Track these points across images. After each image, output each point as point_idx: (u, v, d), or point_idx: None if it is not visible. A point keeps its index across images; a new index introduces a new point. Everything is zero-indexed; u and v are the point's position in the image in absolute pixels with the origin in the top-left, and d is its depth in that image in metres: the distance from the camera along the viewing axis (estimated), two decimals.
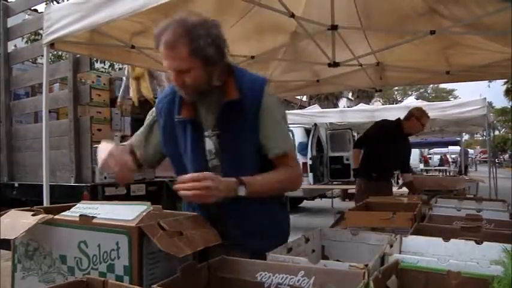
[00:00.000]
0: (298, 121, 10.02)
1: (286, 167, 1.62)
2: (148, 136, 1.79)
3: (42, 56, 3.41)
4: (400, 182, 5.61)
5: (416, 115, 4.59)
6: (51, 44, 3.09)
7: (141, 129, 1.83)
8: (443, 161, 27.84)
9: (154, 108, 1.80)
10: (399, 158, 4.83)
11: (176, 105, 1.66)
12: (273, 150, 1.60)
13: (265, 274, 1.08)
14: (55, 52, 6.80)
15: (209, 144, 1.63)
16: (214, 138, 1.62)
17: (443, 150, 28.57)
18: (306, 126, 10.81)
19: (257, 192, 1.53)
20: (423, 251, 1.46)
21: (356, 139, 5.24)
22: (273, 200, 1.70)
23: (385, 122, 4.91)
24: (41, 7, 6.16)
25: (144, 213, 1.14)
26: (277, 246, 1.31)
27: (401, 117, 4.71)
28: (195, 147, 1.63)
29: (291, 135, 1.72)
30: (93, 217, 1.17)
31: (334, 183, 11.33)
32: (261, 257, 1.19)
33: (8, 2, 5.61)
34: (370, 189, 4.31)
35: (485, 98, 8.18)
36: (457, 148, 21.67)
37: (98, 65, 9.33)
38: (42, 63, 4.29)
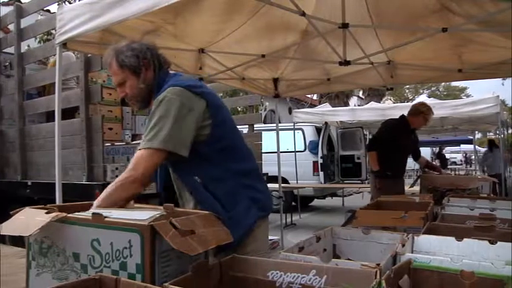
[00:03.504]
0: (309, 120, 10.01)
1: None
2: None
3: (55, 55, 3.43)
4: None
5: (420, 110, 4.77)
6: (64, 44, 3.12)
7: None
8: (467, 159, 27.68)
9: None
10: (409, 153, 5.04)
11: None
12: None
13: (277, 273, 1.08)
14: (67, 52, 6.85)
15: None
16: None
17: (464, 148, 28.19)
18: (317, 125, 10.78)
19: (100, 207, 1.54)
20: (436, 250, 1.44)
21: (369, 142, 5.28)
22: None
23: (392, 122, 5.00)
24: (53, 7, 6.22)
25: (157, 215, 1.15)
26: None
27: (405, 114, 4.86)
28: None
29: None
30: (106, 216, 1.18)
31: (345, 182, 11.29)
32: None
33: (21, 3, 5.67)
34: (386, 187, 4.41)
35: (498, 96, 8.08)
36: (470, 146, 21.42)
37: None
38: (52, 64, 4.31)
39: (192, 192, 1.82)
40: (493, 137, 15.23)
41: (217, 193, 1.77)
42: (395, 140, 4.69)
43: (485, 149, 14.20)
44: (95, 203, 1.54)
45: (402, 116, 4.90)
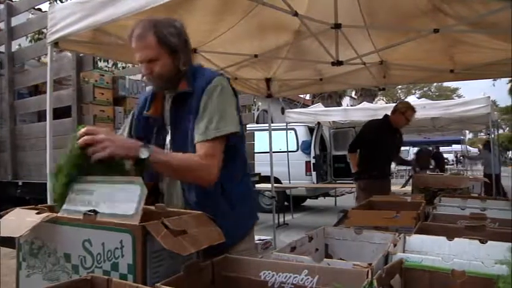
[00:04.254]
0: (302, 120, 10.02)
1: (196, 155, 1.63)
2: (130, 131, 1.90)
3: (46, 55, 3.41)
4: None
5: (401, 109, 4.76)
6: (55, 43, 3.10)
7: (123, 127, 1.98)
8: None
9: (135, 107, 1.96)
10: (393, 152, 5.07)
11: (147, 102, 1.83)
12: (198, 136, 1.65)
13: (269, 273, 1.08)
14: (59, 51, 6.81)
15: (169, 136, 1.79)
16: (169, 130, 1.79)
17: (455, 148, 28.37)
18: (309, 125, 10.80)
19: (160, 163, 1.53)
20: (427, 250, 1.45)
21: (350, 143, 5.29)
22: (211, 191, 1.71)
23: (374, 122, 5.03)
24: (44, 6, 6.17)
25: (142, 201, 1.14)
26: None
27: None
28: (156, 144, 1.73)
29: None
30: (96, 212, 1.18)
31: (338, 182, 11.32)
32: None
33: (12, 1, 5.62)
34: (372, 187, 4.39)
35: (489, 97, 8.16)
36: (459, 147, 21.60)
37: (101, 64, 9.34)
38: (45, 63, 4.29)
39: (195, 190, 1.72)
40: (484, 137, 15.35)
41: (233, 192, 1.76)
42: (378, 140, 4.71)
43: (475, 149, 14.31)
44: (164, 155, 1.58)
45: (385, 116, 4.93)
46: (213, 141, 1.63)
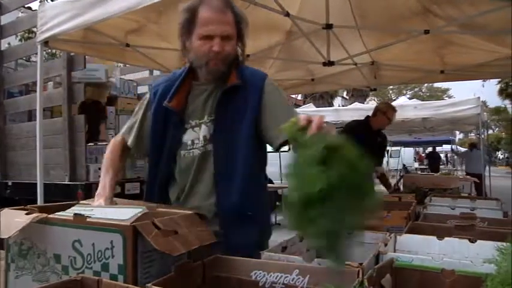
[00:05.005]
0: None
1: None
2: (143, 121, 1.74)
3: (36, 54, 3.39)
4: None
5: (382, 110, 4.63)
6: (45, 42, 3.08)
7: (133, 117, 1.78)
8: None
9: (147, 95, 1.79)
10: (375, 155, 4.88)
11: (171, 92, 1.66)
12: (279, 139, 1.53)
13: (260, 273, 1.08)
14: (49, 50, 6.77)
15: (205, 131, 1.62)
16: (210, 124, 1.62)
17: (445, 148, 28.52)
18: None
19: None
20: (418, 249, 1.46)
21: None
22: (254, 195, 1.62)
23: (353, 124, 4.91)
24: (34, 5, 6.12)
25: (139, 215, 1.14)
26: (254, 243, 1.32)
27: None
28: (172, 137, 1.65)
29: None
30: (87, 216, 1.17)
31: None
32: (239, 254, 1.19)
33: None
34: None
35: (479, 97, 8.23)
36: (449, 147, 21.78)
37: None
38: (36, 61, 4.27)
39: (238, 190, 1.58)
40: (473, 137, 15.52)
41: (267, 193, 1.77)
42: (357, 141, 4.63)
43: (465, 149, 14.47)
44: None
45: (366, 117, 4.84)
46: None
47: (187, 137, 1.64)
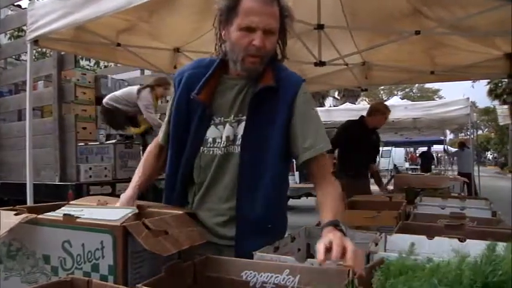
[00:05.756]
0: None
1: (323, 168, 1.52)
2: (170, 115, 1.62)
3: (26, 52, 3.36)
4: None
5: (381, 110, 4.77)
6: (35, 41, 3.05)
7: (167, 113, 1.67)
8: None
9: (172, 88, 1.68)
10: (370, 153, 5.02)
11: (200, 84, 1.51)
12: (310, 149, 1.48)
13: (251, 273, 1.08)
14: (39, 49, 6.72)
15: (228, 131, 1.52)
16: (236, 125, 1.52)
17: (436, 148, 28.70)
18: None
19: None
20: (408, 249, 1.47)
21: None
22: (277, 206, 1.59)
23: (348, 124, 4.99)
24: (24, 3, 6.07)
25: (129, 215, 1.13)
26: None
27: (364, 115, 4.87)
28: (196, 132, 1.54)
29: None
30: (77, 217, 1.16)
31: None
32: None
33: None
34: (349, 187, 4.43)
35: (468, 98, 8.30)
36: (441, 147, 21.95)
37: (83, 63, 9.23)
38: (26, 60, 4.23)
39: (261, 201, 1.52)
40: (464, 137, 15.66)
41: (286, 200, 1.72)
42: (352, 140, 4.72)
43: (455, 149, 14.60)
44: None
45: (361, 117, 4.93)
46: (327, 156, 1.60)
47: (210, 133, 1.53)
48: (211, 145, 1.53)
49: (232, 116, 1.52)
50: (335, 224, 1.27)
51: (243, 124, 1.51)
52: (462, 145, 12.32)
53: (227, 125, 1.52)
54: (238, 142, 1.50)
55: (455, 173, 12.11)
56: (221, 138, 1.52)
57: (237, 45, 1.43)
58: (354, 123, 4.84)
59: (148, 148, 1.72)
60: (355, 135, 4.69)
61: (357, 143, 4.69)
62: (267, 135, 1.49)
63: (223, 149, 1.52)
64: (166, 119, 1.65)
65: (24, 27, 4.03)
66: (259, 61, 1.44)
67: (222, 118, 1.53)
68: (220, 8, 1.44)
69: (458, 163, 12.26)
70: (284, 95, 1.50)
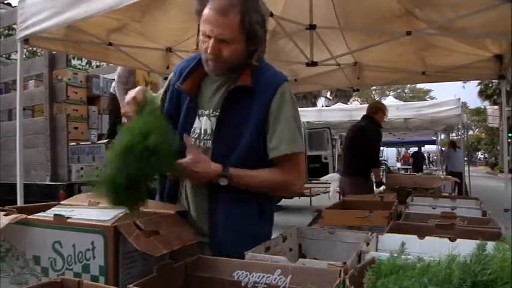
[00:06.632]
0: None
1: (281, 169, 1.54)
2: (163, 104, 1.65)
3: (16, 51, 3.33)
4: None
5: (383, 109, 5.07)
6: (26, 40, 3.03)
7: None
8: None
9: (171, 75, 1.71)
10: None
11: (183, 74, 1.58)
12: (273, 150, 1.52)
13: (242, 273, 1.08)
14: (30, 48, 6.66)
15: (206, 124, 1.56)
16: (214, 119, 1.55)
17: (428, 149, 28.85)
18: None
19: (241, 186, 1.49)
20: (398, 248, 1.48)
21: (374, 158, 5.12)
22: (254, 211, 1.59)
23: (370, 129, 5.02)
24: (14, 1, 6.02)
25: (120, 215, 1.13)
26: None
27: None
28: (184, 123, 1.58)
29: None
30: (68, 217, 1.15)
31: (312, 181, 11.39)
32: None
33: None
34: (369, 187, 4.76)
35: (459, 99, 8.37)
36: (433, 147, 22.11)
37: (74, 62, 9.18)
38: (16, 59, 4.20)
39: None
40: (455, 138, 15.78)
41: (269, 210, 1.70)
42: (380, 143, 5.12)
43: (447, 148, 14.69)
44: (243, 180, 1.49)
45: (370, 117, 5.01)
46: (301, 156, 1.62)
47: (196, 125, 1.58)
48: (196, 136, 1.57)
49: (211, 109, 1.57)
50: (224, 167, 1.46)
51: (215, 118, 1.55)
52: (453, 145, 12.42)
53: (205, 118, 1.57)
54: (211, 135, 1.55)
55: (444, 172, 12.21)
56: (200, 129, 1.57)
57: (201, 48, 1.51)
58: (371, 125, 4.97)
59: None
60: (381, 135, 4.99)
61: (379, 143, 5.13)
62: (239, 133, 1.52)
63: (202, 141, 1.56)
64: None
65: (15, 26, 4.00)
66: (216, 66, 1.50)
67: (203, 110, 1.58)
68: (195, 11, 1.49)
69: (449, 163, 12.36)
70: (261, 95, 1.53)
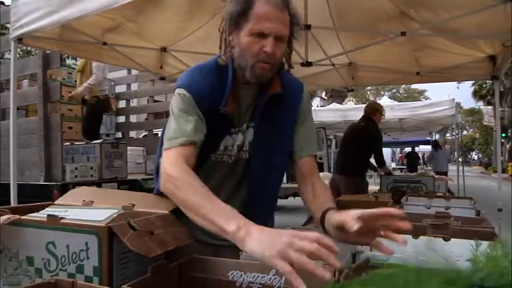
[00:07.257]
0: None
1: (311, 170, 1.64)
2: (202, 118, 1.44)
3: (10, 51, 3.31)
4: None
5: (381, 109, 5.19)
6: (19, 39, 3.01)
7: (188, 117, 1.40)
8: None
9: (183, 92, 1.43)
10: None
11: (225, 95, 1.42)
12: (301, 151, 1.60)
13: (237, 273, 1.08)
14: (24, 47, 6.63)
15: (239, 139, 1.50)
16: (246, 132, 1.51)
17: (422, 149, 28.94)
18: None
19: None
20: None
21: (380, 158, 5.17)
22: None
23: (373, 128, 5.10)
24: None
25: (114, 215, 1.12)
26: None
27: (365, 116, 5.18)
28: (213, 142, 1.47)
29: None
30: (62, 217, 1.15)
31: None
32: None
33: None
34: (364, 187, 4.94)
35: (453, 99, 8.41)
36: (428, 147, 22.18)
37: (69, 62, 9.14)
38: (9, 59, 4.18)
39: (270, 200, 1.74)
40: (449, 138, 15.86)
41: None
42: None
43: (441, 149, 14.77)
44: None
45: (369, 118, 5.07)
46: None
47: (223, 142, 1.50)
48: (222, 152, 1.51)
49: (245, 125, 1.52)
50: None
51: (251, 130, 1.52)
52: (436, 145, 12.54)
53: (240, 134, 1.51)
54: (246, 148, 1.53)
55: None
56: (233, 146, 1.51)
57: (247, 51, 1.37)
58: (372, 126, 5.04)
59: (181, 166, 1.31)
60: (382, 135, 5.09)
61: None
62: (276, 139, 1.54)
63: (233, 157, 1.52)
64: (200, 121, 1.43)
65: (8, 25, 3.98)
66: (269, 68, 1.39)
67: (237, 128, 1.51)
68: (231, 12, 1.38)
69: (433, 163, 12.50)
70: (291, 100, 1.56)
